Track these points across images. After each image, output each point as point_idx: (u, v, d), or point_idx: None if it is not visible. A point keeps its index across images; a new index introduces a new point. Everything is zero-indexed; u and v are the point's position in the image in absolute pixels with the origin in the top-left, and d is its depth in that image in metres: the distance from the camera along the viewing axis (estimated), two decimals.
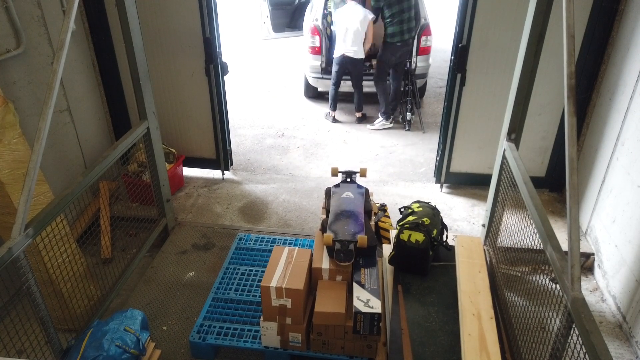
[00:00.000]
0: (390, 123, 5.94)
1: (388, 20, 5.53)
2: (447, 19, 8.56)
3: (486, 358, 2.20)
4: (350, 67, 5.83)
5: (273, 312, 2.63)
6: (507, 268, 2.93)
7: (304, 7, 7.57)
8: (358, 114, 6.13)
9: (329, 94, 6.05)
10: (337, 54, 5.79)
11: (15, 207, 2.60)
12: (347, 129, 5.94)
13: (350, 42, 5.67)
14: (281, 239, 3.66)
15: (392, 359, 2.34)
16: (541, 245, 2.24)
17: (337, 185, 3.35)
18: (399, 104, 6.08)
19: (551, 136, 4.07)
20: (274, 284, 2.56)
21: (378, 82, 5.87)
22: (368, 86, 6.09)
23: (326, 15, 6.28)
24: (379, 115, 5.95)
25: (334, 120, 6.12)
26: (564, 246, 1.92)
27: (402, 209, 3.11)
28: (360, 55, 5.75)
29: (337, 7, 6.24)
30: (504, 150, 2.95)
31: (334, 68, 5.88)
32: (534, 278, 3.04)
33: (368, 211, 3.13)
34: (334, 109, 6.10)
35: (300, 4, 8.12)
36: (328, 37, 6.17)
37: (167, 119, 4.43)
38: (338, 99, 6.12)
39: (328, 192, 3.31)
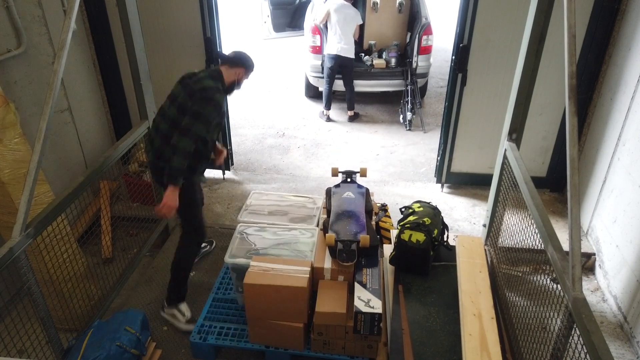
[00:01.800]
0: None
1: None
2: (448, 18, 8.55)
3: (487, 358, 2.20)
4: (341, 66, 5.81)
5: None
6: (508, 268, 2.92)
7: (304, 6, 7.54)
8: (350, 113, 6.11)
9: (324, 92, 6.00)
10: (329, 51, 5.77)
11: (16, 207, 2.60)
12: (347, 128, 5.93)
13: (342, 40, 5.67)
14: None
15: (392, 359, 2.34)
16: (542, 246, 2.23)
17: (337, 186, 3.35)
18: (401, 103, 6.08)
19: (552, 136, 4.07)
20: None
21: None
22: (361, 85, 6.09)
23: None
24: None
25: (328, 119, 6.09)
26: (565, 246, 1.92)
27: (403, 209, 3.11)
28: (351, 54, 5.75)
29: None
30: (505, 150, 2.95)
31: (327, 64, 5.83)
32: (534, 278, 3.03)
33: (369, 211, 3.13)
34: (328, 107, 6.05)
35: (301, 3, 8.09)
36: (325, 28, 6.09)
37: None
38: (332, 98, 6.09)
39: (328, 192, 3.31)
